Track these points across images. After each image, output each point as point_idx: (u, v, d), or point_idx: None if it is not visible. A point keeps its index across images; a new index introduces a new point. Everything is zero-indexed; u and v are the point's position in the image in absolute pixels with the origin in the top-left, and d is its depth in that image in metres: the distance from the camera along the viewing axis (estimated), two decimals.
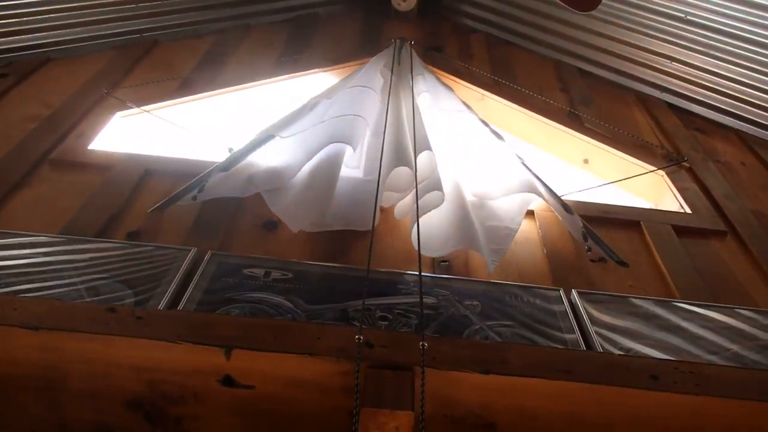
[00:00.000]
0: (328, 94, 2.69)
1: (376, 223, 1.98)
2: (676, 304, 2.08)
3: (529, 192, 2.37)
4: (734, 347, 1.91)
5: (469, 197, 2.41)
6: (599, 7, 3.49)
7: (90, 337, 1.47)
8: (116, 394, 1.51)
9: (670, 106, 3.65)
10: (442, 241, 2.22)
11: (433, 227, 2.23)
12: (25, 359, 1.49)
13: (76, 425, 1.53)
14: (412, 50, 3.14)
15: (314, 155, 2.34)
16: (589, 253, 2.28)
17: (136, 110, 2.93)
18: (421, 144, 2.28)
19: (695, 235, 2.48)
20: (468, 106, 2.75)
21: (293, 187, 2.31)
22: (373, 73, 2.86)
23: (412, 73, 2.87)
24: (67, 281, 1.86)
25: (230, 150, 2.59)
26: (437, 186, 2.18)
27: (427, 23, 4.41)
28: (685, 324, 1.98)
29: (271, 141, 2.38)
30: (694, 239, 2.49)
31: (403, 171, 2.22)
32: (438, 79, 3.00)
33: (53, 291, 1.81)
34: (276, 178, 2.32)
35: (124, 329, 1.49)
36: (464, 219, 2.26)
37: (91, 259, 1.98)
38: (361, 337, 1.46)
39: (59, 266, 1.93)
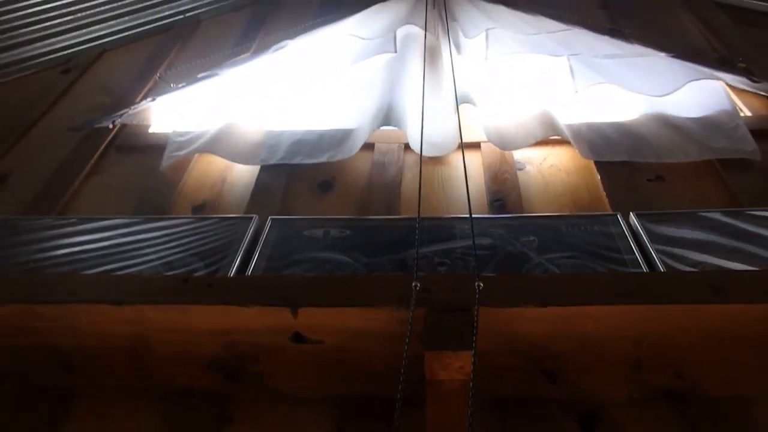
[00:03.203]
0: (294, 35, 2.96)
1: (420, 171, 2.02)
2: (738, 215, 2.02)
3: (711, 78, 2.51)
4: None
5: (664, 110, 2.49)
6: None
7: (168, 307, 1.57)
8: (198, 358, 1.62)
9: (718, 4, 3.46)
10: (684, 152, 2.31)
11: (663, 136, 2.37)
12: (112, 332, 1.61)
13: (163, 388, 1.65)
14: None
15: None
16: None
17: (188, 87, 3.00)
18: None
19: (756, 137, 2.34)
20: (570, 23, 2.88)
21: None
22: (374, 21, 2.97)
23: (446, 17, 2.86)
24: (144, 258, 2.00)
25: (171, 85, 2.89)
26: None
27: None
28: (752, 231, 1.93)
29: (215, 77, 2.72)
30: (756, 142, 2.35)
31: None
32: (513, 10, 3.07)
33: (132, 269, 1.95)
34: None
35: (198, 297, 1.58)
36: (673, 129, 2.39)
37: (163, 235, 2.10)
38: (418, 284, 1.51)
39: (136, 245, 2.07)
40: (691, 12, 3.45)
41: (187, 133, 2.58)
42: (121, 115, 2.75)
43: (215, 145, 2.47)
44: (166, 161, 2.44)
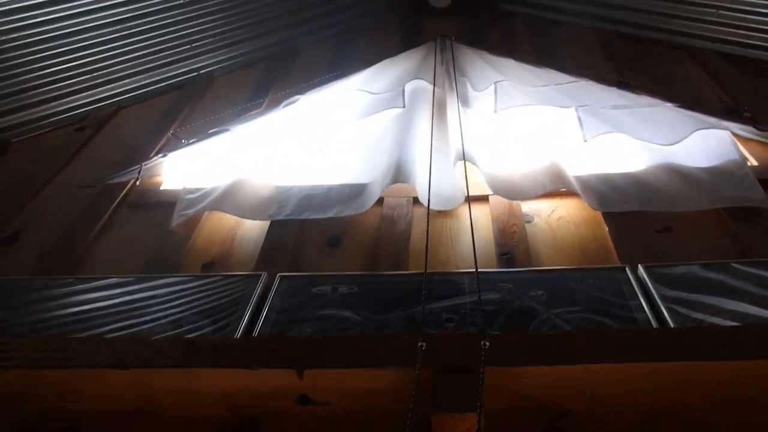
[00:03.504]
0: (305, 90, 2.99)
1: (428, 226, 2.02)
2: (746, 266, 1.99)
3: (717, 127, 2.55)
4: None
5: (673, 160, 2.51)
6: None
7: (174, 371, 1.57)
8: (205, 421, 1.61)
9: (724, 55, 3.49)
10: (694, 201, 2.33)
11: (673, 185, 2.39)
12: (118, 396, 1.61)
13: None
14: (454, 45, 3.19)
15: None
16: None
17: (199, 144, 3.03)
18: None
19: (764, 186, 2.34)
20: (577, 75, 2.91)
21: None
22: (382, 79, 3.02)
23: (454, 72, 2.90)
24: (151, 317, 2.00)
25: (182, 141, 2.93)
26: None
27: (467, 15, 4.38)
28: (761, 286, 1.90)
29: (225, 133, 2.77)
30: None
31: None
32: (522, 63, 3.10)
33: (140, 327, 1.95)
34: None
35: (203, 361, 1.58)
36: (683, 179, 2.42)
37: (171, 293, 2.11)
38: (424, 344, 1.50)
39: (143, 303, 2.07)
40: (697, 63, 3.48)
41: (196, 190, 2.61)
42: (131, 172, 2.79)
43: (224, 202, 2.50)
44: (175, 220, 2.47)
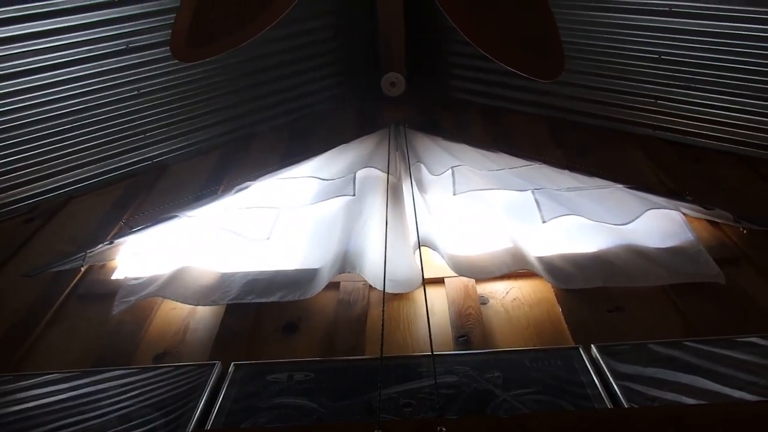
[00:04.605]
0: (257, 177, 3.03)
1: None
2: (694, 344, 2.05)
3: (668, 207, 2.68)
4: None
5: (629, 239, 2.62)
6: (578, 61, 3.61)
7: None
8: None
9: (665, 141, 3.69)
10: (654, 277, 2.42)
11: (633, 263, 2.49)
12: None
13: None
14: (407, 131, 3.27)
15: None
16: (744, 232, 2.66)
17: (147, 231, 2.94)
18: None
19: None
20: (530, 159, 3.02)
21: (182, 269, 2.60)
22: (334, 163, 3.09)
23: (408, 159, 2.98)
24: (100, 412, 1.93)
25: (129, 227, 2.91)
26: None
27: (421, 102, 4.54)
28: (708, 363, 1.96)
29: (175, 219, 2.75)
30: None
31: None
32: (476, 148, 3.20)
33: (88, 424, 1.88)
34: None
35: None
36: (642, 257, 2.51)
37: (120, 386, 2.05)
38: None
39: (90, 398, 2.00)
40: (641, 149, 3.64)
41: (140, 277, 2.59)
42: (74, 261, 2.74)
43: (167, 288, 2.48)
44: (116, 307, 2.43)
